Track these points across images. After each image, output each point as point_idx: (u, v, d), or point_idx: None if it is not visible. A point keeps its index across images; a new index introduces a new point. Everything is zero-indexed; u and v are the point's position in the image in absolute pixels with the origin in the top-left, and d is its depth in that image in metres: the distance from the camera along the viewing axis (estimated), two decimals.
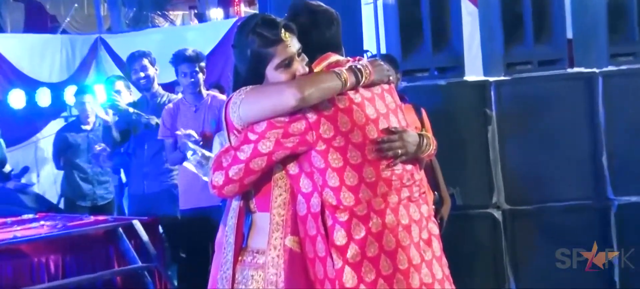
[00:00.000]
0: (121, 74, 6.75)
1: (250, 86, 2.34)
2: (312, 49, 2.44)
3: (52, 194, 7.77)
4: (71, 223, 4.67)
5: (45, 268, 4.13)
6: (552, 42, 4.66)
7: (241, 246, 2.45)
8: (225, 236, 2.47)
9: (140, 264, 4.40)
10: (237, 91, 2.35)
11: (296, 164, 2.37)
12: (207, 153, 3.15)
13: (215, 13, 17.12)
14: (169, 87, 6.51)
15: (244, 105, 2.31)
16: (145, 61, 5.19)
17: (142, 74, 5.18)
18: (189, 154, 3.17)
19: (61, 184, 6.85)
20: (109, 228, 4.51)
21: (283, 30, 2.33)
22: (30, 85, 8.48)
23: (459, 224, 4.30)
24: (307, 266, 2.35)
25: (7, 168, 6.54)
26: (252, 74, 2.37)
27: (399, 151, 2.39)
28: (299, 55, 2.36)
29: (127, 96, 5.89)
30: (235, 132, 2.36)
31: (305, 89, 2.25)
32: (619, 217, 4.49)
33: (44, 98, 8.34)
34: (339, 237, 2.31)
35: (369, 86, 2.42)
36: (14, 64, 8.65)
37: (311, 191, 2.34)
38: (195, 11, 18.30)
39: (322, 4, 2.56)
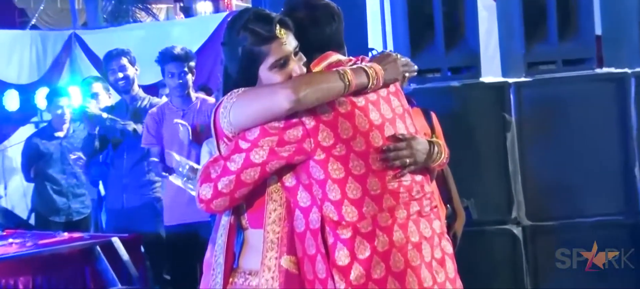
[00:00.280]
0: (99, 75, 6.77)
1: (242, 89, 2.35)
2: (311, 48, 2.45)
3: (22, 208, 7.78)
4: (43, 240, 4.67)
5: None
6: (579, 39, 4.67)
7: (232, 266, 2.44)
8: (214, 255, 2.47)
9: (120, 286, 4.40)
10: (228, 94, 2.36)
11: (293, 176, 2.37)
12: (195, 166, 3.16)
13: (203, 6, 17.18)
14: (152, 89, 6.53)
15: (235, 109, 2.31)
16: (124, 60, 5.20)
17: (120, 75, 5.19)
18: (178, 169, 3.18)
19: (31, 198, 6.86)
20: (85, 246, 4.51)
21: (278, 27, 2.33)
22: None
23: (475, 242, 4.30)
24: None
25: None
26: (243, 75, 2.38)
27: (407, 160, 2.40)
28: (295, 54, 2.37)
29: (106, 99, 5.91)
30: (225, 139, 2.36)
31: (300, 89, 2.26)
32: None
33: (11, 101, 8.33)
34: (341, 256, 2.31)
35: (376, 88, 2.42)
36: None
37: (310, 205, 2.35)
38: (181, 4, 18.35)
39: None
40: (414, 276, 2.34)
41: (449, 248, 2.52)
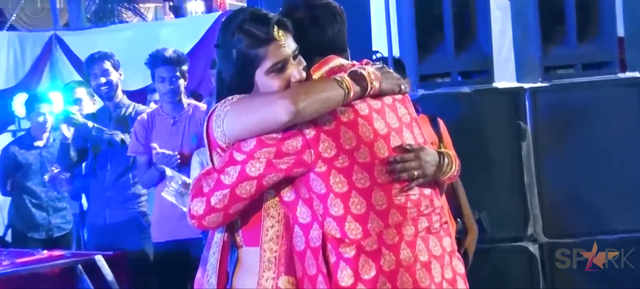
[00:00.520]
0: (82, 79, 6.76)
1: (237, 96, 2.35)
2: (311, 51, 2.44)
3: None
4: (21, 259, 4.66)
5: None
6: (600, 41, 4.67)
7: (225, 287, 2.44)
8: (206, 275, 2.46)
9: None
10: (222, 102, 2.35)
11: (292, 190, 2.37)
12: (188, 180, 3.17)
13: (194, 6, 17.22)
14: (139, 95, 6.53)
15: (229, 118, 2.31)
16: (107, 64, 5.20)
17: (103, 80, 5.19)
18: (170, 184, 3.17)
19: (8, 212, 6.84)
20: (67, 265, 4.50)
21: (276, 28, 2.33)
22: None
23: (488, 260, 4.30)
24: None
25: None
26: (238, 80, 2.38)
27: (415, 173, 2.39)
28: (294, 57, 2.37)
29: (90, 105, 5.90)
30: (219, 150, 2.36)
31: (300, 100, 2.25)
32: None
33: None
34: (345, 277, 2.30)
35: (376, 95, 2.41)
36: None
37: (310, 221, 2.34)
38: (171, 4, 18.39)
39: None
40: None
41: (460, 267, 2.51)
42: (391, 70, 2.53)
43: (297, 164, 2.31)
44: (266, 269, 2.37)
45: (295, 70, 2.35)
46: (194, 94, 7.12)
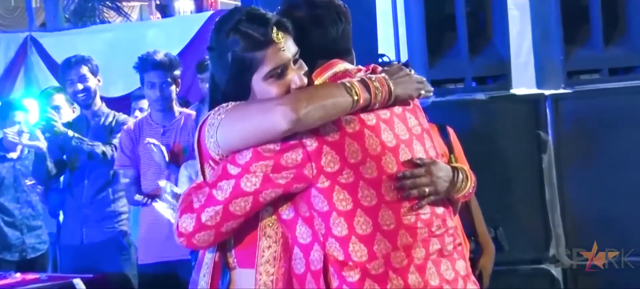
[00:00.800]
0: (60, 85, 6.76)
1: (232, 103, 2.34)
2: (313, 54, 2.45)
3: None
4: None
5: None
6: (628, 44, 4.67)
7: None
8: None
9: None
10: (215, 109, 2.35)
11: (291, 207, 2.36)
12: (179, 191, 3.17)
13: (183, 5, 17.23)
14: (122, 102, 6.53)
15: (223, 128, 2.31)
16: (85, 69, 5.21)
17: (80, 86, 5.20)
18: (164, 195, 3.19)
19: None
20: None
21: (275, 29, 2.33)
22: None
23: (507, 284, 4.29)
24: None
25: None
26: (233, 86, 2.38)
27: (427, 190, 2.39)
28: (295, 61, 2.36)
29: (70, 114, 5.90)
30: (211, 162, 2.36)
31: (301, 106, 2.25)
32: None
33: None
34: None
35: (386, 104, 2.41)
36: None
37: (311, 241, 2.34)
38: (157, 2, 18.41)
39: None
40: None
41: None
42: (411, 73, 2.52)
43: (297, 179, 2.30)
44: None
45: (296, 76, 2.34)
46: (182, 100, 7.11)
